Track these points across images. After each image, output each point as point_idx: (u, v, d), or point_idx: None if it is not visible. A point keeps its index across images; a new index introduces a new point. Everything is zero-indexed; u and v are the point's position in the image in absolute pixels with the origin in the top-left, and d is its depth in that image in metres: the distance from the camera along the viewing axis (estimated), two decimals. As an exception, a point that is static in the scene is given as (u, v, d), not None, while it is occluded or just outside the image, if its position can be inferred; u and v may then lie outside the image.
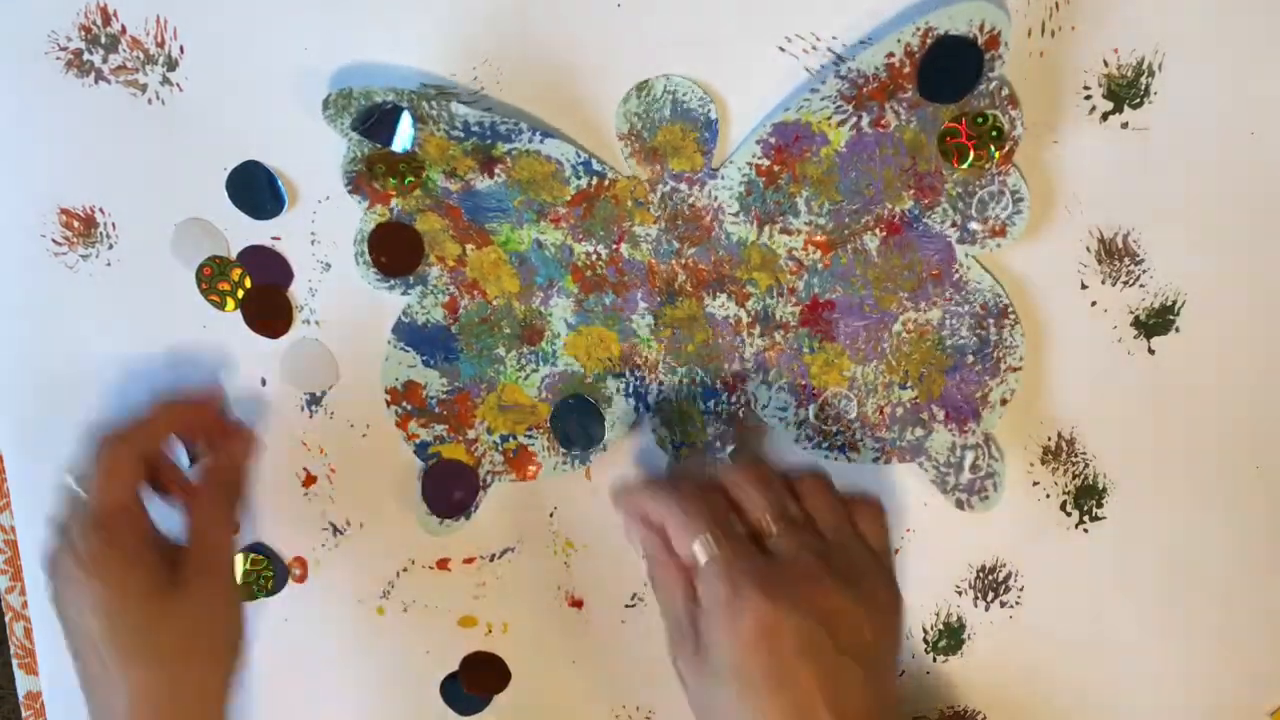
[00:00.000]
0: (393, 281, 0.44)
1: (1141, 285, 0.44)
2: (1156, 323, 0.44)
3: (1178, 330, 0.44)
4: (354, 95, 0.41)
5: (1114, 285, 0.44)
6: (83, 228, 0.45)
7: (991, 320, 0.43)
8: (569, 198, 0.43)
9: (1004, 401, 0.44)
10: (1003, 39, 0.39)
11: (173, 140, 0.44)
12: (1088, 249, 0.44)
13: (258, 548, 0.49)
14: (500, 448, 0.46)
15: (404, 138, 0.41)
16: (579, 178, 0.43)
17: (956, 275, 0.43)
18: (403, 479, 0.47)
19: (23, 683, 0.52)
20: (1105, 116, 0.42)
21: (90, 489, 0.41)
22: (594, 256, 0.44)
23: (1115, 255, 0.44)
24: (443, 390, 0.46)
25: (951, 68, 0.40)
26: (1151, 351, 0.45)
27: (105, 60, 0.43)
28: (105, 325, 0.47)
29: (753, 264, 0.44)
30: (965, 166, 0.41)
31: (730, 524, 0.38)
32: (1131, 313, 0.44)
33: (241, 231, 0.45)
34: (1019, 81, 0.41)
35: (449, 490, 0.47)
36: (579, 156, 0.43)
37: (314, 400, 0.47)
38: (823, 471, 0.41)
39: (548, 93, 0.42)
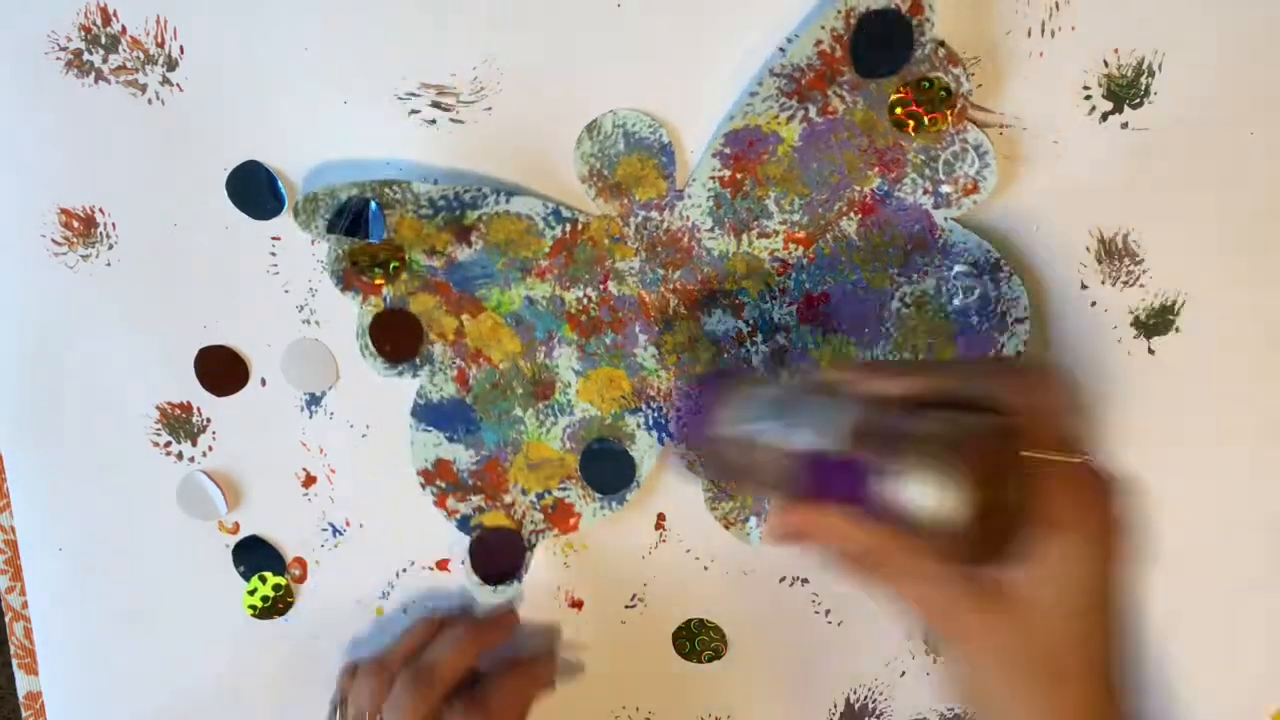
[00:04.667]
0: (401, 367, 0.45)
1: (1141, 285, 0.44)
2: (1156, 323, 0.44)
3: (1178, 330, 0.44)
4: (320, 196, 0.42)
5: (1114, 285, 0.44)
6: (83, 228, 0.45)
7: (987, 276, 0.43)
8: (548, 249, 0.43)
9: (1018, 354, 0.44)
10: (927, 2, 0.39)
11: (173, 140, 0.44)
12: (1087, 249, 0.44)
13: (273, 566, 0.49)
14: (538, 505, 0.46)
15: (376, 226, 0.42)
16: (552, 227, 0.43)
17: (940, 241, 0.43)
18: (403, 479, 0.47)
19: (23, 683, 0.52)
20: (1105, 116, 0.42)
21: None
22: (585, 300, 0.44)
23: (1115, 255, 0.44)
24: (472, 462, 0.46)
25: (882, 41, 0.40)
26: (1151, 351, 0.45)
27: (105, 60, 0.43)
28: (105, 325, 0.47)
29: (739, 274, 0.44)
30: (921, 133, 0.41)
31: None
32: (1131, 313, 0.44)
33: (242, 231, 0.45)
34: (1019, 81, 0.41)
35: (498, 557, 0.47)
36: (547, 208, 0.43)
37: (314, 400, 0.47)
38: None
39: (539, 101, 0.42)
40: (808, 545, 0.34)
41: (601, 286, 0.44)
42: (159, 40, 0.43)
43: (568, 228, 0.43)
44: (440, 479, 0.46)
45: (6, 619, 0.51)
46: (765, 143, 0.42)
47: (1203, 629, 0.48)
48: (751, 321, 0.44)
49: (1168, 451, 0.46)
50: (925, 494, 0.29)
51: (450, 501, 0.46)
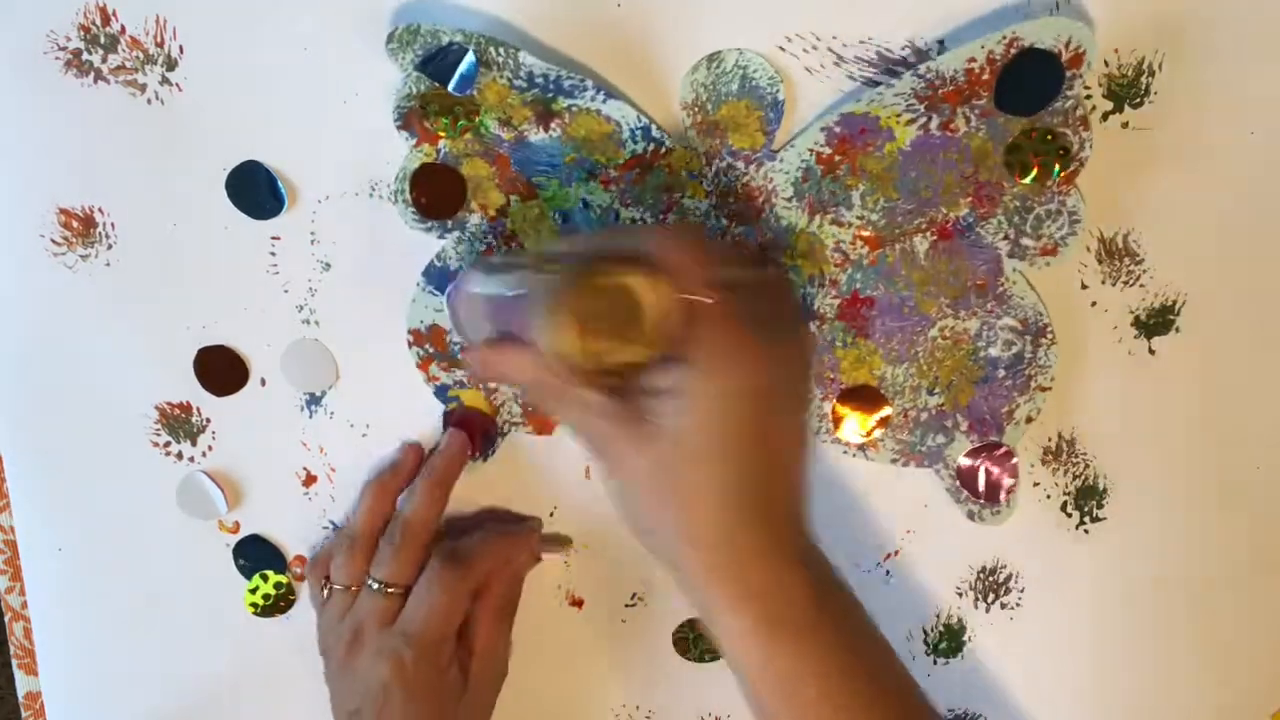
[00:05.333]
0: (430, 223, 0.44)
1: (1141, 285, 0.44)
2: (1156, 323, 0.44)
3: (1178, 330, 0.44)
4: (421, 32, 0.41)
5: (1114, 285, 0.44)
6: (82, 228, 0.45)
7: (1029, 337, 0.43)
8: (622, 161, 0.43)
9: (1029, 419, 0.44)
10: (1086, 59, 0.39)
11: (173, 140, 0.44)
12: (1088, 249, 0.44)
13: (274, 565, 0.49)
14: (519, 400, 0.46)
15: (464, 81, 0.41)
16: (635, 142, 0.42)
17: (1001, 288, 0.43)
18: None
19: (23, 683, 0.52)
20: (1105, 116, 0.42)
21: (431, 614, 0.44)
22: (638, 224, 0.44)
23: (1115, 255, 0.44)
24: None
25: (1031, 80, 0.40)
26: (1151, 351, 0.45)
27: (105, 60, 0.43)
28: (105, 325, 0.47)
29: (798, 251, 0.43)
30: (1027, 182, 0.41)
31: None
32: (1131, 313, 0.44)
33: (241, 231, 0.45)
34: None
35: (468, 434, 0.46)
36: (639, 121, 0.42)
37: (314, 400, 0.47)
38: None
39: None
40: (497, 377, 0.41)
41: (662, 216, 0.43)
42: (158, 40, 0.43)
43: (650, 148, 0.42)
44: (430, 343, 0.45)
45: (6, 619, 0.51)
46: (877, 135, 0.41)
47: (1203, 629, 0.48)
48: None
49: (1167, 451, 0.46)
50: (540, 327, 0.33)
51: (433, 368, 0.46)
